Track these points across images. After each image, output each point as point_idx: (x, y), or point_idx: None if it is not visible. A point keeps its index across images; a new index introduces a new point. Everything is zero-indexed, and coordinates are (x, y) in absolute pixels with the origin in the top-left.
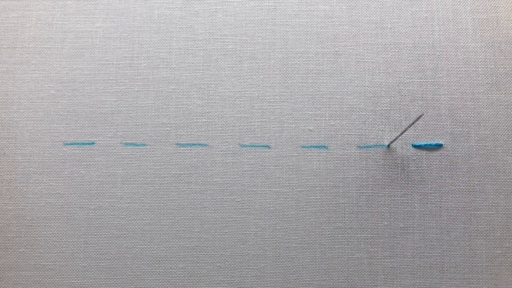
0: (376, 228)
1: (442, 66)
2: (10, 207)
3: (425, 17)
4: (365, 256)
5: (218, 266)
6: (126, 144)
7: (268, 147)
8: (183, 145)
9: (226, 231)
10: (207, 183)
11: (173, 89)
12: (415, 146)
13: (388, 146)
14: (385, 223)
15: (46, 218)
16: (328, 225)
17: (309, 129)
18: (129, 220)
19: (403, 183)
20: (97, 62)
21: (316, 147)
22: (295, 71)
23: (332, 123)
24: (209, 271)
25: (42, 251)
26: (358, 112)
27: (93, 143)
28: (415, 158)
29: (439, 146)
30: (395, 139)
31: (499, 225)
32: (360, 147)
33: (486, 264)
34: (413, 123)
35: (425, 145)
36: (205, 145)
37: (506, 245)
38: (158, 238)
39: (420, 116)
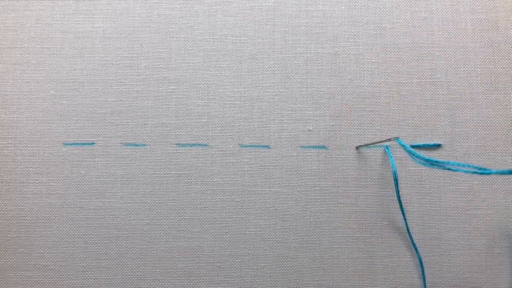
0: (376, 228)
1: (441, 66)
2: (10, 207)
3: (425, 17)
4: (364, 256)
5: (218, 266)
6: (126, 144)
7: (268, 147)
8: (183, 145)
9: (226, 231)
10: (207, 183)
11: (173, 89)
12: (414, 147)
13: (387, 147)
14: (385, 223)
15: (46, 218)
16: (328, 225)
17: (308, 129)
18: (129, 220)
19: (403, 183)
20: (96, 62)
21: (315, 147)
22: (294, 71)
23: (331, 123)
24: (209, 271)
25: (42, 251)
26: (357, 112)
27: (93, 143)
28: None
29: (437, 146)
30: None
31: (498, 225)
32: (359, 147)
33: (486, 263)
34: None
35: (424, 145)
36: (205, 145)
37: (505, 244)
38: (158, 238)
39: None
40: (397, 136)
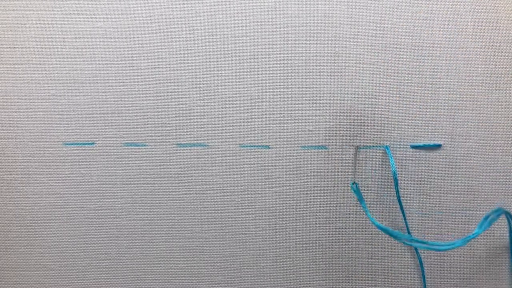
0: (376, 228)
1: (441, 66)
2: (10, 207)
3: (425, 17)
4: (365, 256)
5: (218, 266)
6: (126, 144)
7: (268, 147)
8: (183, 145)
9: (226, 231)
10: (207, 183)
11: (173, 89)
12: (413, 147)
13: (387, 147)
14: (385, 223)
15: (46, 218)
16: (328, 225)
17: (308, 130)
18: (129, 220)
19: (403, 183)
20: (97, 62)
21: (315, 147)
22: (295, 71)
23: (331, 123)
24: (209, 271)
25: (42, 251)
26: (357, 113)
27: (93, 143)
28: (414, 158)
29: (438, 147)
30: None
31: (498, 225)
32: (359, 148)
33: (486, 264)
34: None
35: (424, 145)
36: (205, 145)
37: (506, 245)
38: (158, 238)
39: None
40: (397, 136)
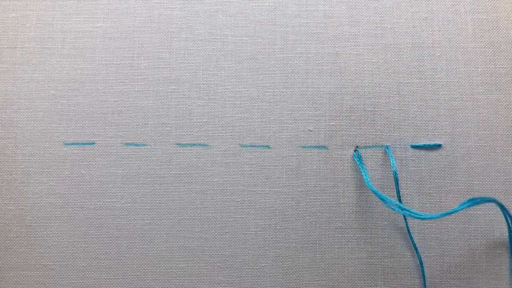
0: (376, 228)
1: (441, 67)
2: (10, 207)
3: (425, 17)
4: (365, 256)
5: (218, 266)
6: (126, 144)
7: (268, 147)
8: (183, 145)
9: (227, 231)
10: (207, 183)
11: (173, 89)
12: (413, 147)
13: (387, 147)
14: (385, 223)
15: (46, 218)
16: (328, 225)
17: (309, 129)
18: (129, 220)
19: (403, 183)
20: (97, 62)
21: (316, 147)
22: (295, 71)
23: (331, 123)
24: (209, 271)
25: (42, 251)
26: (357, 113)
27: (93, 143)
28: (414, 158)
29: (438, 146)
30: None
31: (499, 225)
32: (359, 148)
33: (486, 264)
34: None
35: (424, 145)
36: (205, 145)
37: (505, 244)
38: (158, 238)
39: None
40: (397, 136)
